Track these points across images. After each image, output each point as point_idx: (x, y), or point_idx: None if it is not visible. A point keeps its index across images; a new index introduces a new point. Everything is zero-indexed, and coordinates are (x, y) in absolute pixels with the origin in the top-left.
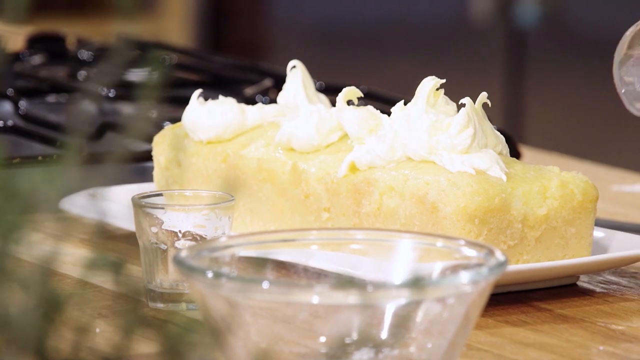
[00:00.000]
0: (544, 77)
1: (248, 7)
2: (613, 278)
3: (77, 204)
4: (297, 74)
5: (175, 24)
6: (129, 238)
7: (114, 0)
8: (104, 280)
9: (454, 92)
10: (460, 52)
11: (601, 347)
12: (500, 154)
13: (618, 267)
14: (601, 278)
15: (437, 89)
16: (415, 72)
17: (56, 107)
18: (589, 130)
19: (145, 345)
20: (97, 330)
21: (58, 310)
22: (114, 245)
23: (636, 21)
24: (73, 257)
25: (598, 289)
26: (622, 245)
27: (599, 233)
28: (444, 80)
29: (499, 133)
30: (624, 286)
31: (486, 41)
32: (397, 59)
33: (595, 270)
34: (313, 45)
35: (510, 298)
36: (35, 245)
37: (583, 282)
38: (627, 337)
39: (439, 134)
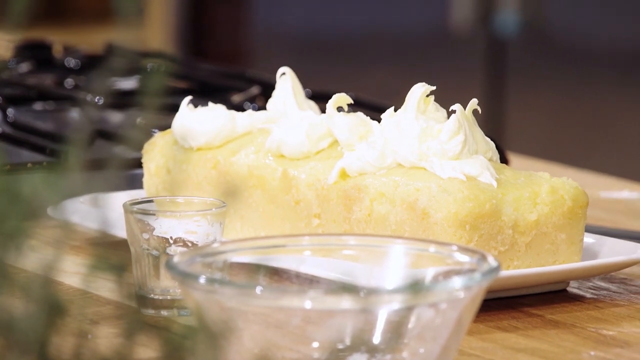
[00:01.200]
0: (524, 85)
1: (229, 16)
2: (603, 284)
3: (69, 211)
4: (286, 81)
5: (156, 33)
6: (121, 245)
7: (115, 6)
8: (96, 286)
9: (436, 99)
10: (442, 60)
11: (592, 353)
12: (490, 160)
13: (608, 272)
14: (591, 284)
15: (427, 96)
16: (396, 80)
17: (44, 115)
18: (570, 138)
19: (144, 351)
20: (89, 336)
21: (59, 315)
22: (107, 251)
23: (615, 29)
24: (66, 264)
25: (588, 295)
26: (612, 251)
27: (588, 239)
28: (434, 87)
29: (489, 139)
30: (614, 292)
31: (467, 49)
32: (379, 67)
33: (585, 276)
34: (294, 54)
35: (501, 304)
36: (32, 252)
37: (573, 287)
38: (618, 343)
39: (430, 140)
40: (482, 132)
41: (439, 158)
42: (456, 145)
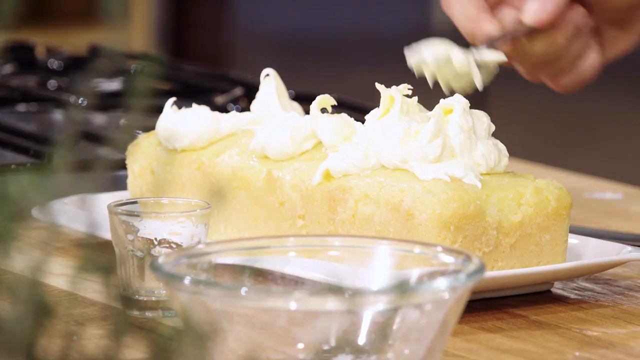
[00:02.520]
0: (507, 86)
1: (209, 18)
2: (587, 285)
3: (54, 212)
4: (270, 82)
5: (137, 35)
6: (106, 246)
7: (101, 7)
8: (81, 288)
9: (420, 100)
10: None
11: (577, 353)
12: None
13: (592, 273)
14: (575, 285)
15: (410, 97)
16: (379, 81)
17: (27, 116)
18: (554, 139)
19: (130, 352)
20: (75, 337)
21: (46, 317)
22: (93, 252)
23: None
24: (52, 266)
25: (572, 296)
26: (596, 252)
27: (573, 240)
28: (415, 90)
29: (495, 141)
30: (598, 292)
31: None
32: (362, 68)
33: (570, 276)
34: (275, 56)
35: (485, 305)
36: (18, 253)
37: (557, 288)
38: (603, 343)
39: (411, 142)
40: (489, 135)
41: (420, 162)
42: (435, 148)
